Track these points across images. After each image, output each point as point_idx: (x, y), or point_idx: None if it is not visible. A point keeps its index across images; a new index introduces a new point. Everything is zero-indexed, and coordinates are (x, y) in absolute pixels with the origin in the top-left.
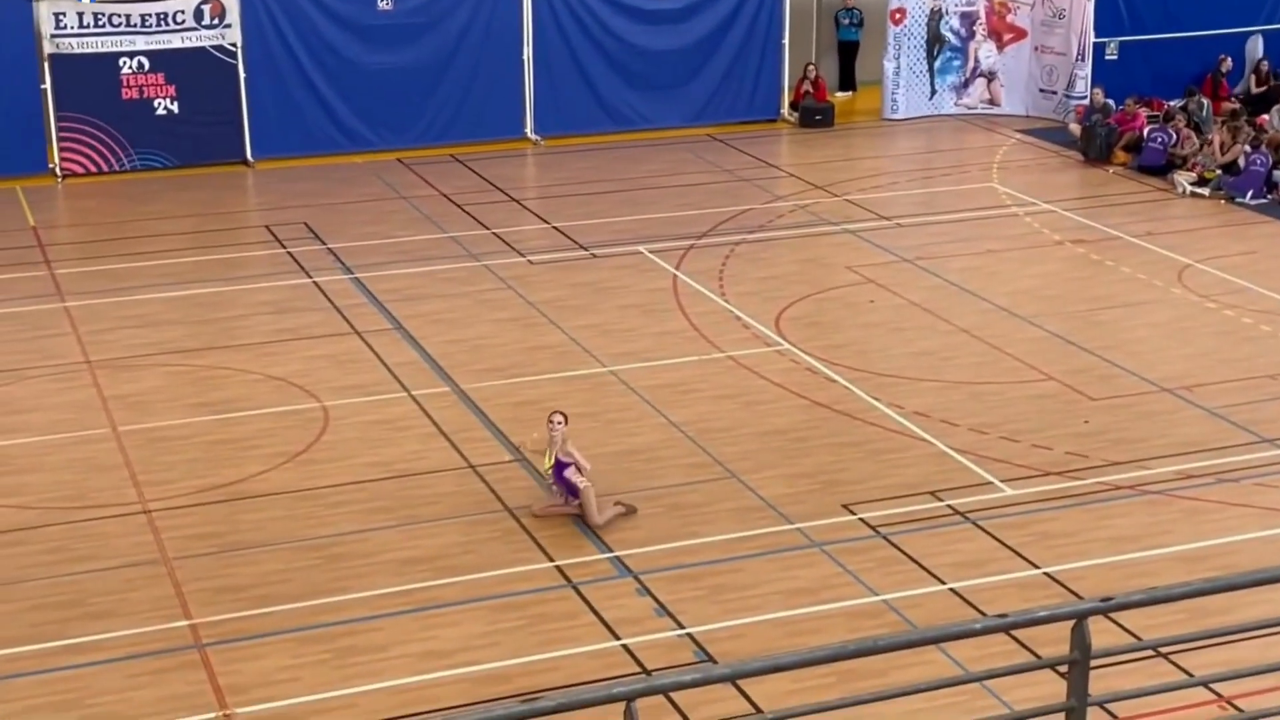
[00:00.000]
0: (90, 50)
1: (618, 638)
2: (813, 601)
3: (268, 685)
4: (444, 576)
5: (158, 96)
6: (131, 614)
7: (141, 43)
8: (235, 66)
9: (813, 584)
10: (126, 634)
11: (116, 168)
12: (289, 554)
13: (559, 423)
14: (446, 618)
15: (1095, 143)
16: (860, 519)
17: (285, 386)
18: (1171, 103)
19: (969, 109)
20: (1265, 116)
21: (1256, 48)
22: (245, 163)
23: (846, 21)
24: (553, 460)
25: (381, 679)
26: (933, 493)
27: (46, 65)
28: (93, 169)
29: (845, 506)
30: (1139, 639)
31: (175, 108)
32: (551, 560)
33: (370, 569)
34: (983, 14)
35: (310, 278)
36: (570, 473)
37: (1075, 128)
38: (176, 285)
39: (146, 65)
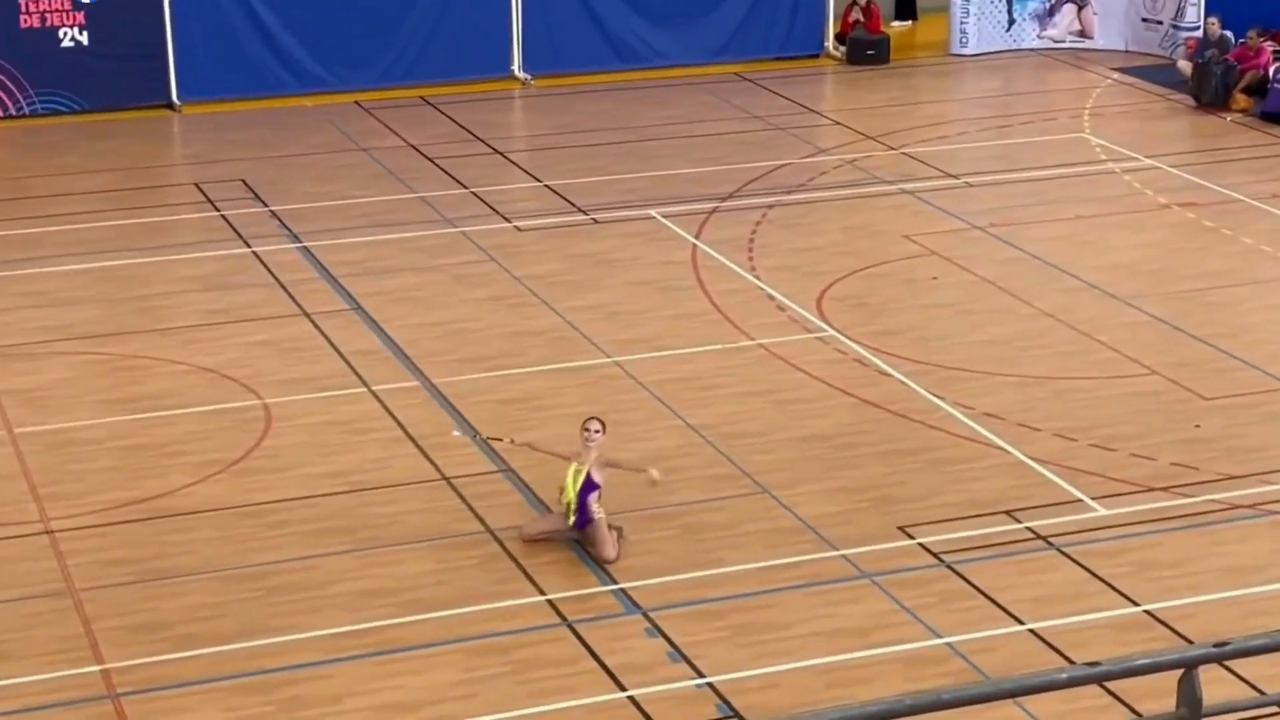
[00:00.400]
0: None
1: (623, 688)
2: (861, 644)
3: None
4: (410, 612)
5: (63, 25)
6: (31, 656)
7: None
8: None
9: (861, 623)
10: (26, 681)
11: (13, 112)
12: (222, 584)
13: (596, 431)
14: (413, 663)
15: (1210, 84)
16: (920, 544)
17: (218, 380)
18: None
19: (1055, 42)
20: None
21: None
22: (170, 106)
23: None
24: (581, 481)
25: None
26: (1008, 512)
27: None
28: None
29: (901, 529)
30: (1261, 692)
31: (84, 39)
32: (542, 593)
33: (320, 603)
34: None
35: (249, 247)
36: (592, 498)
37: (1185, 65)
38: (87, 255)
39: None
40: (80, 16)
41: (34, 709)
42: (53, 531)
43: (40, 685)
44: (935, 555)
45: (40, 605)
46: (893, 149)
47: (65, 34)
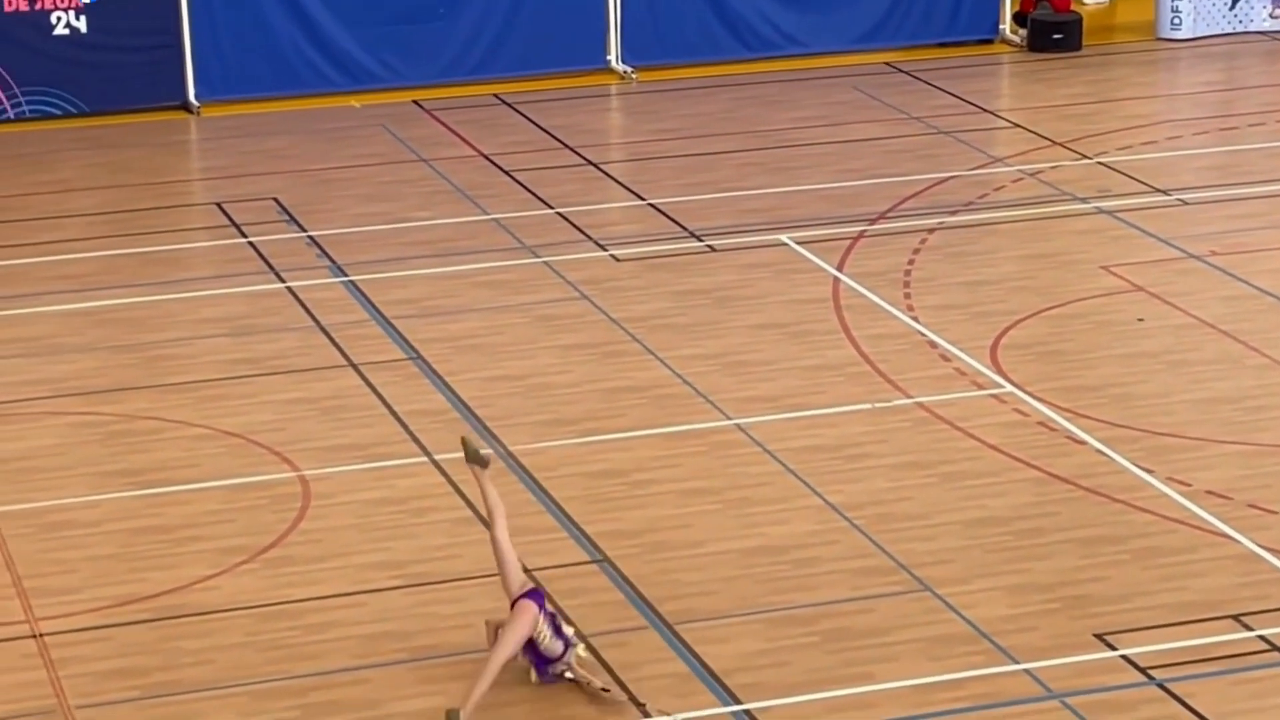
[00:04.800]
0: None
1: None
2: None
3: None
4: None
5: (56, 9)
6: None
7: None
8: None
9: None
10: None
11: None
12: (249, 702)
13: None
14: None
15: None
16: (1123, 657)
17: (244, 447)
18: None
19: None
20: None
21: None
22: (186, 107)
23: None
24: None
25: None
26: (1236, 617)
27: None
28: None
29: (1099, 637)
30: None
31: (82, 25)
32: (647, 716)
33: None
34: None
35: (283, 282)
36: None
37: None
38: (82, 293)
39: None
40: None
41: None
42: (39, 635)
43: None
44: (1143, 671)
45: None
46: (1086, 158)
47: (59, 19)
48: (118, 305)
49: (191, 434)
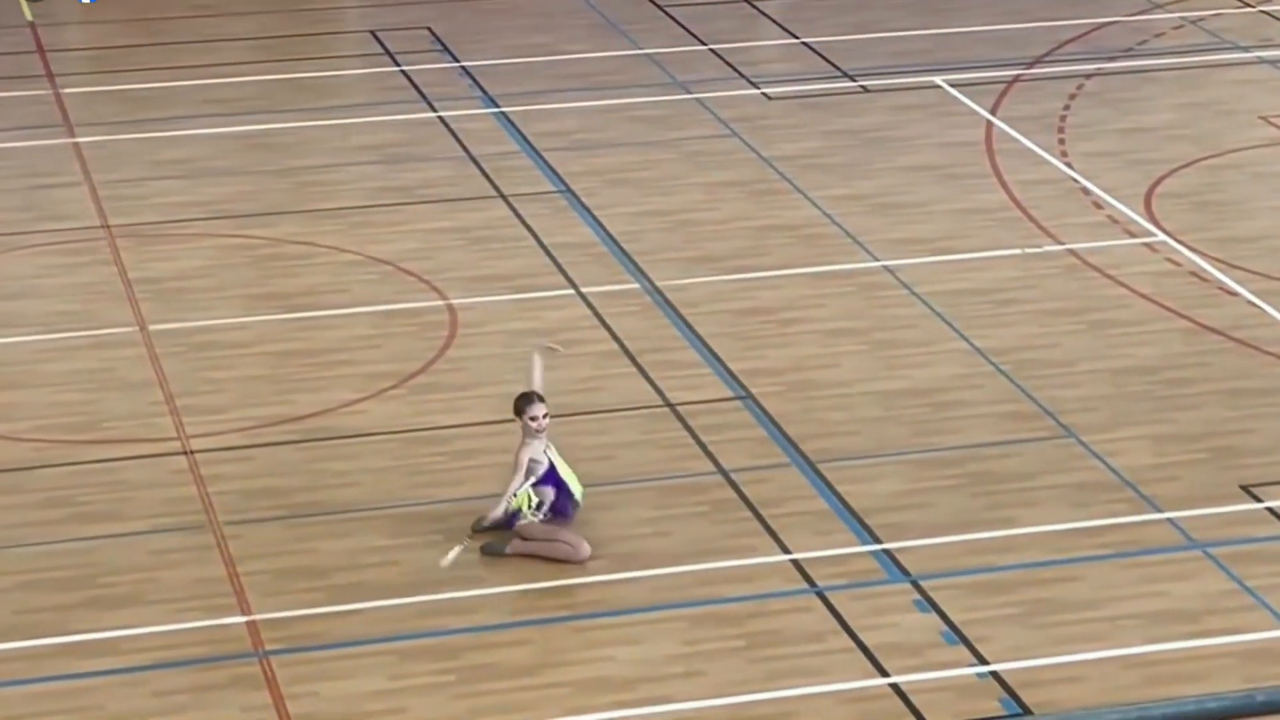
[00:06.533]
0: None
1: (884, 673)
2: (1190, 633)
3: (359, 717)
4: (622, 569)
5: None
6: (163, 602)
7: None
8: None
9: (1190, 605)
10: (155, 631)
11: None
12: (393, 524)
13: (544, 417)
14: (623, 631)
15: None
16: (1268, 509)
17: (393, 275)
18: None
19: None
20: None
21: None
22: None
23: None
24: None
25: (519, 713)
26: None
27: None
28: None
29: (1245, 489)
30: None
31: None
32: (787, 551)
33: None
34: None
35: (434, 111)
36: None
37: None
38: (234, 117)
39: None
40: None
41: (165, 665)
42: (190, 452)
43: (173, 637)
44: None
45: (174, 540)
46: (1249, 6)
47: None
48: (270, 130)
49: (341, 260)
